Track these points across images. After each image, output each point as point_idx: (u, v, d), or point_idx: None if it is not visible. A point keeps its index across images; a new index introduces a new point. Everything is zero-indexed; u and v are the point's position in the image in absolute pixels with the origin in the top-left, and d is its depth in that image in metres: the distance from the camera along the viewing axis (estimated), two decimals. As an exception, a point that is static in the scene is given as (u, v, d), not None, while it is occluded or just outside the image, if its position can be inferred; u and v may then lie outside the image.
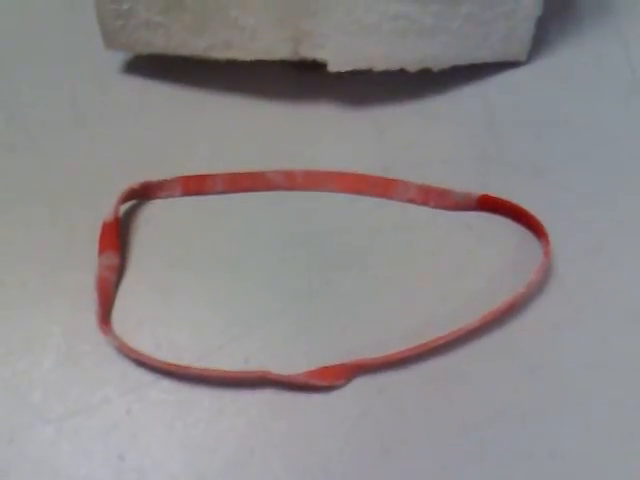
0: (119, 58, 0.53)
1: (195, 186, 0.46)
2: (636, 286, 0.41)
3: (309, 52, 0.49)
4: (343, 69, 0.49)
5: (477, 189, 0.45)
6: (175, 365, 0.37)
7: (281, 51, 0.49)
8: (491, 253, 0.43)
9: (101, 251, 0.42)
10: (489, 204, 0.44)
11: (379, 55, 0.50)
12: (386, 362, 0.37)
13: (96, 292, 0.40)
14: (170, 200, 0.46)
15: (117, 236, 0.43)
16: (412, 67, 0.50)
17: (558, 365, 0.38)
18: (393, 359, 0.37)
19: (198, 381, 0.37)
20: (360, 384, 0.37)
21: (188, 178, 0.46)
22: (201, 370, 0.37)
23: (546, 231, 0.42)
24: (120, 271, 0.42)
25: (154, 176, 0.45)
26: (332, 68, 0.49)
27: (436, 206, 0.45)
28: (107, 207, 0.43)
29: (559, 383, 0.37)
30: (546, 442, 0.35)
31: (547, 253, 0.41)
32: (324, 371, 0.37)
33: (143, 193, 0.45)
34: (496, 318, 0.38)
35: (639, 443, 0.35)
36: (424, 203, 0.45)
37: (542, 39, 0.54)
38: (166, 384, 0.37)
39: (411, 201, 0.46)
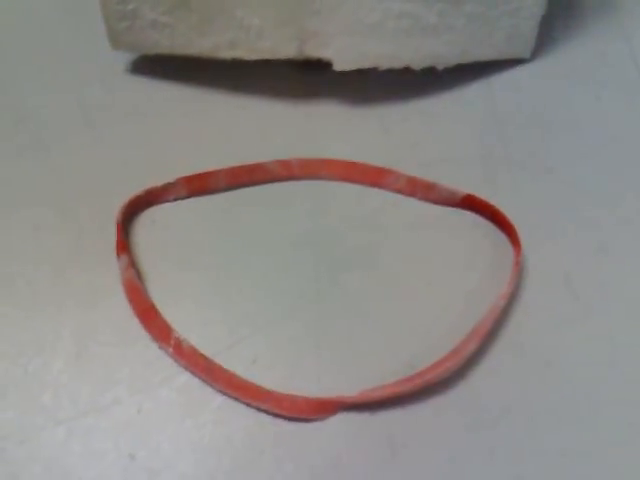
0: (125, 59, 0.54)
1: (199, 185, 0.46)
2: (642, 284, 0.41)
3: (314, 51, 0.49)
4: (348, 68, 0.49)
5: (482, 187, 0.45)
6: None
7: (286, 50, 0.49)
8: (491, 255, 0.43)
9: (118, 254, 0.42)
10: (473, 204, 0.45)
11: (384, 54, 0.50)
12: (376, 400, 0.36)
13: (128, 293, 0.40)
14: (176, 201, 0.46)
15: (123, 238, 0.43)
16: (417, 65, 0.51)
17: (566, 363, 0.38)
18: (384, 396, 0.36)
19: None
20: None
21: (190, 178, 0.46)
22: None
23: (520, 240, 0.42)
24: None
25: (161, 175, 0.45)
26: (337, 67, 0.49)
27: (422, 199, 0.46)
28: (115, 207, 0.43)
29: (567, 381, 0.37)
30: (555, 440, 0.35)
31: (517, 263, 0.41)
32: (315, 405, 0.36)
33: (148, 200, 0.45)
34: (485, 335, 0.38)
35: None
36: (411, 195, 0.46)
37: (546, 37, 0.54)
38: (176, 383, 0.37)
39: (399, 191, 0.46)
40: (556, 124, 0.49)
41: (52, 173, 0.47)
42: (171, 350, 0.38)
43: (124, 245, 0.42)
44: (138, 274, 0.42)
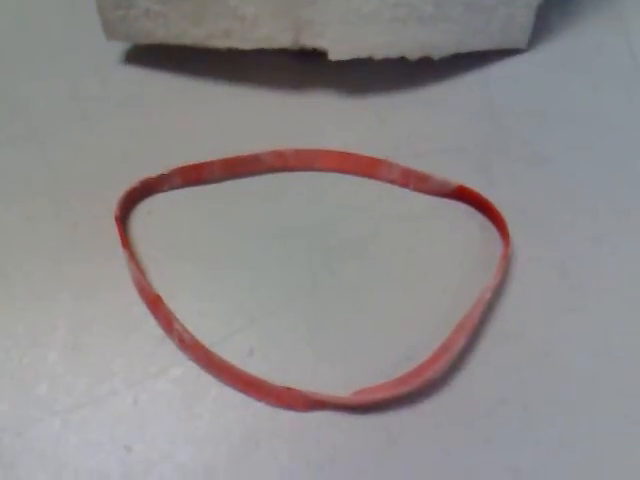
0: (119, 49, 0.53)
1: (194, 175, 0.46)
2: (638, 275, 0.41)
3: (309, 41, 0.49)
4: (343, 58, 0.49)
5: (478, 178, 0.45)
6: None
7: (281, 40, 0.49)
8: (485, 245, 0.43)
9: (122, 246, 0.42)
10: (465, 195, 0.45)
11: (379, 43, 0.49)
12: (371, 403, 0.36)
13: (143, 295, 0.40)
14: (172, 191, 0.46)
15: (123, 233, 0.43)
16: (412, 55, 0.50)
17: (562, 354, 0.38)
18: (379, 399, 0.36)
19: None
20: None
21: (185, 168, 0.46)
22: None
23: (509, 232, 0.42)
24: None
25: (156, 166, 0.45)
26: (332, 57, 0.49)
27: (415, 189, 0.46)
28: (110, 198, 0.43)
29: (564, 371, 0.37)
30: (551, 431, 0.35)
31: (505, 255, 0.41)
32: (312, 402, 0.36)
33: (144, 190, 0.45)
34: (473, 329, 0.38)
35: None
36: (404, 185, 0.46)
37: (543, 27, 0.54)
38: (172, 375, 0.37)
39: (393, 182, 0.46)
40: (552, 114, 0.49)
41: (46, 163, 0.47)
42: (176, 341, 0.38)
43: (125, 240, 0.42)
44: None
